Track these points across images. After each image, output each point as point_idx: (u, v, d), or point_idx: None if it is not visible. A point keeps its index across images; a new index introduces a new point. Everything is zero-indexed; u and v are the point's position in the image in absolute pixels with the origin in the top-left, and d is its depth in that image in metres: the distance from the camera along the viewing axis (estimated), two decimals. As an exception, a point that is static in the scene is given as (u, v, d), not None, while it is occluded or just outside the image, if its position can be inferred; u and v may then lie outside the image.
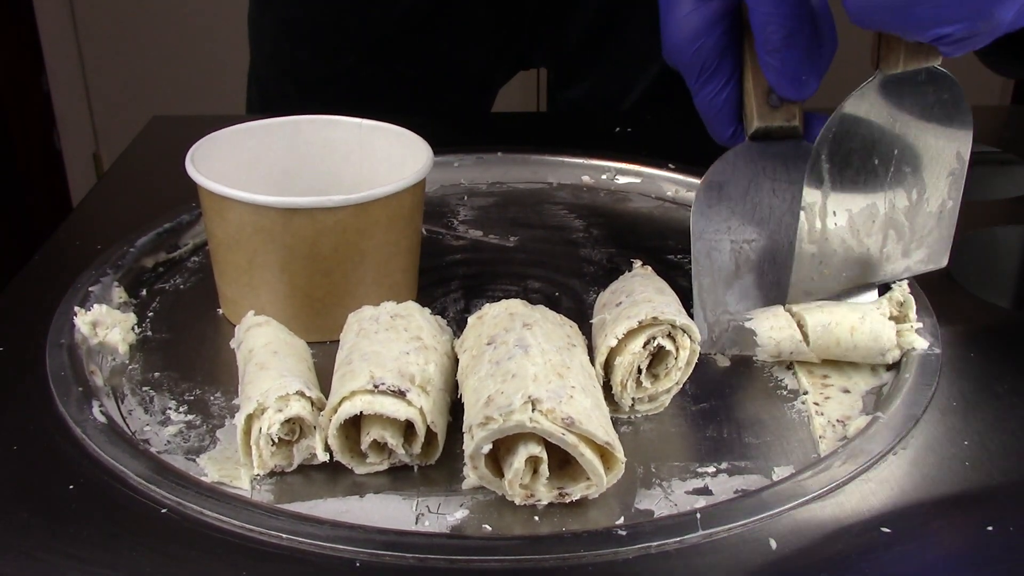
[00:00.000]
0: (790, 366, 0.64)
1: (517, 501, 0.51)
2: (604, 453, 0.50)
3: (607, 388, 0.58)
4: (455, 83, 1.05)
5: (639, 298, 0.59)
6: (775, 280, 0.65)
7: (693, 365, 0.59)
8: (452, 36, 1.01)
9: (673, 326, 0.57)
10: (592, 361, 0.58)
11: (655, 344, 0.57)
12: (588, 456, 0.50)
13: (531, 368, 0.52)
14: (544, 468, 0.50)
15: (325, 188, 0.72)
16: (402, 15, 0.99)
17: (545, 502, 0.51)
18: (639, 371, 0.58)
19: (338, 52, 1.01)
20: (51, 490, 0.52)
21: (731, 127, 0.64)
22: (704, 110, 0.64)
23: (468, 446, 0.50)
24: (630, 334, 0.57)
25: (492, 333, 0.56)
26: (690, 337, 0.58)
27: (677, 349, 0.58)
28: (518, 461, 0.50)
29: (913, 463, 0.54)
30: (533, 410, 0.49)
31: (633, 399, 0.58)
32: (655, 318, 0.57)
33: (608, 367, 0.58)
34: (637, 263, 0.66)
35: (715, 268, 0.65)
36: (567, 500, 0.51)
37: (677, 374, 0.58)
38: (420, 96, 1.04)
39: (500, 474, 0.51)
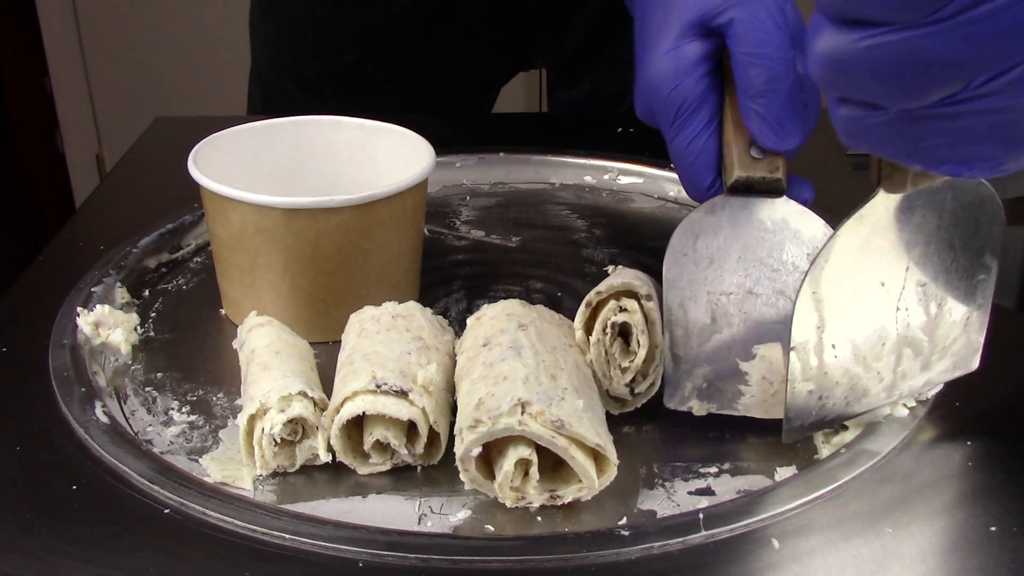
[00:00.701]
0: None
1: (508, 504, 0.51)
2: (597, 455, 0.50)
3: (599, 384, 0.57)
4: (456, 83, 1.05)
5: (597, 287, 0.59)
6: (755, 338, 0.58)
7: (659, 323, 0.57)
8: (452, 35, 1.01)
9: (617, 296, 0.57)
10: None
11: (610, 323, 0.57)
12: (579, 459, 0.49)
13: (522, 370, 0.52)
14: (534, 471, 0.50)
15: (328, 188, 0.72)
16: (402, 14, 0.99)
17: (536, 505, 0.51)
18: (614, 356, 0.57)
19: (339, 51, 1.01)
20: (54, 490, 0.52)
21: (710, 176, 0.60)
22: (681, 157, 0.60)
23: (458, 449, 0.50)
24: (588, 324, 0.57)
25: (488, 334, 0.56)
26: (637, 297, 0.56)
27: (632, 314, 0.56)
28: (507, 464, 0.50)
29: (915, 463, 0.54)
30: (522, 413, 0.49)
31: (627, 387, 0.57)
32: (598, 292, 0.57)
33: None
34: (610, 268, 0.65)
35: (689, 320, 0.58)
36: (558, 503, 0.51)
37: (645, 339, 0.56)
38: (421, 95, 1.04)
39: (492, 476, 0.51)
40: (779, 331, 0.58)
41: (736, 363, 0.58)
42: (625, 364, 0.57)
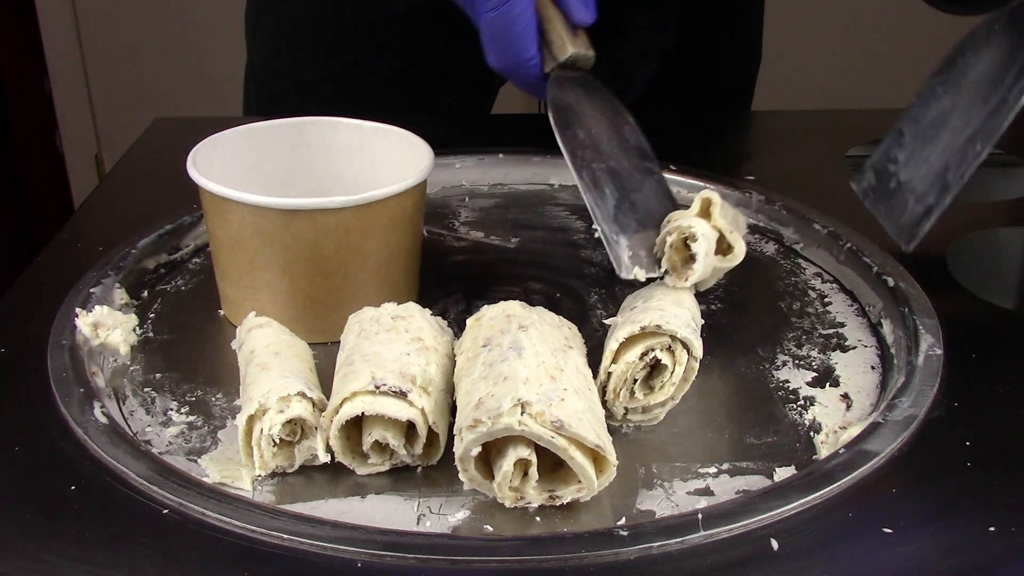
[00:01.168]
0: (792, 365, 0.64)
1: (507, 504, 0.51)
2: (596, 456, 0.50)
3: (605, 392, 0.57)
4: (454, 83, 1.05)
5: (652, 304, 0.59)
6: (632, 208, 0.64)
7: (690, 382, 0.58)
8: (450, 35, 1.01)
9: (673, 338, 0.57)
10: (599, 361, 0.58)
11: (652, 356, 0.57)
12: (578, 459, 0.49)
13: (523, 371, 0.52)
14: (533, 471, 0.50)
15: (327, 190, 0.72)
16: (401, 13, 0.99)
17: (535, 505, 0.51)
18: (634, 381, 0.57)
19: (338, 51, 1.01)
20: (52, 491, 0.52)
21: (532, 48, 0.65)
22: (505, 29, 0.64)
23: (458, 448, 0.50)
24: (630, 341, 0.57)
25: (488, 335, 0.56)
26: (689, 352, 0.57)
27: (675, 364, 0.57)
28: (507, 464, 0.50)
29: (914, 463, 0.54)
30: (522, 413, 0.49)
31: (625, 408, 0.58)
32: (658, 326, 0.56)
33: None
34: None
35: (594, 196, 0.63)
36: (557, 503, 0.51)
37: (670, 389, 0.57)
38: (420, 96, 1.04)
39: (491, 476, 0.51)
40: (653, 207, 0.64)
41: (639, 230, 0.63)
42: (640, 395, 0.57)
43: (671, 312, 0.58)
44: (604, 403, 0.57)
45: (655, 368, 0.57)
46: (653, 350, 0.57)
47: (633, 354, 0.56)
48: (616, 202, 0.64)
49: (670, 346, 0.57)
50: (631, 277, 0.62)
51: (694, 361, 0.57)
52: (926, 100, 0.63)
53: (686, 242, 0.61)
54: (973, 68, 0.61)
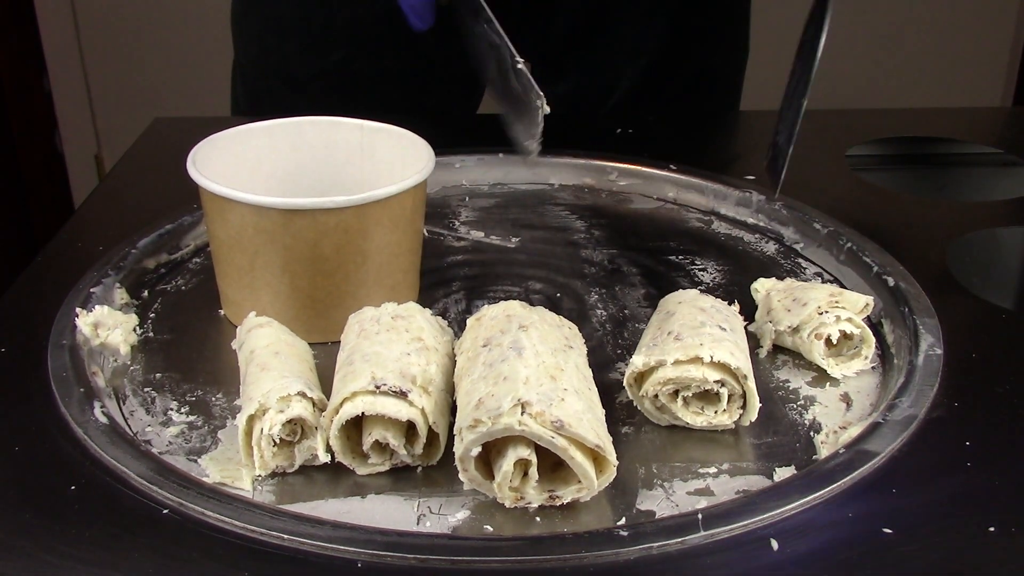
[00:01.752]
0: (792, 365, 0.64)
1: (507, 504, 0.51)
2: (597, 456, 0.50)
3: (647, 374, 0.57)
4: (443, 79, 1.05)
5: (743, 346, 0.58)
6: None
7: (714, 426, 0.57)
8: (439, 31, 1.01)
9: (744, 396, 0.56)
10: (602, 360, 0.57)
11: (717, 390, 0.56)
12: (578, 459, 0.49)
13: (523, 371, 0.52)
14: (533, 471, 0.50)
15: (327, 189, 0.72)
16: (389, 10, 0.99)
17: (535, 505, 0.51)
18: (677, 390, 0.56)
19: (327, 49, 1.01)
20: (53, 491, 0.52)
21: None
22: None
23: (458, 448, 0.50)
24: (716, 365, 0.56)
25: (488, 335, 0.56)
26: (744, 412, 0.56)
27: (723, 409, 0.56)
28: (507, 464, 0.50)
29: (914, 464, 0.54)
30: (522, 413, 0.49)
31: (650, 397, 0.57)
32: (745, 377, 0.55)
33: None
34: (736, 307, 0.63)
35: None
36: (557, 503, 0.51)
37: (702, 422, 0.57)
38: (409, 92, 1.04)
39: (491, 476, 0.51)
40: None
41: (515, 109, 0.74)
42: (679, 403, 0.57)
43: (752, 373, 0.57)
44: (641, 380, 0.57)
45: (703, 393, 0.57)
46: (724, 386, 0.56)
47: (712, 374, 0.55)
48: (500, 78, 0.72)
49: (731, 394, 0.56)
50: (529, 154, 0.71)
51: (738, 423, 0.57)
52: (790, 74, 0.75)
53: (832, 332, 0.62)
54: (807, 37, 0.73)
